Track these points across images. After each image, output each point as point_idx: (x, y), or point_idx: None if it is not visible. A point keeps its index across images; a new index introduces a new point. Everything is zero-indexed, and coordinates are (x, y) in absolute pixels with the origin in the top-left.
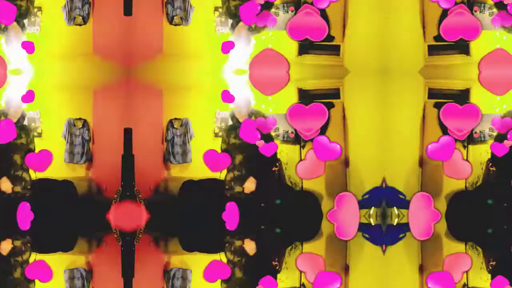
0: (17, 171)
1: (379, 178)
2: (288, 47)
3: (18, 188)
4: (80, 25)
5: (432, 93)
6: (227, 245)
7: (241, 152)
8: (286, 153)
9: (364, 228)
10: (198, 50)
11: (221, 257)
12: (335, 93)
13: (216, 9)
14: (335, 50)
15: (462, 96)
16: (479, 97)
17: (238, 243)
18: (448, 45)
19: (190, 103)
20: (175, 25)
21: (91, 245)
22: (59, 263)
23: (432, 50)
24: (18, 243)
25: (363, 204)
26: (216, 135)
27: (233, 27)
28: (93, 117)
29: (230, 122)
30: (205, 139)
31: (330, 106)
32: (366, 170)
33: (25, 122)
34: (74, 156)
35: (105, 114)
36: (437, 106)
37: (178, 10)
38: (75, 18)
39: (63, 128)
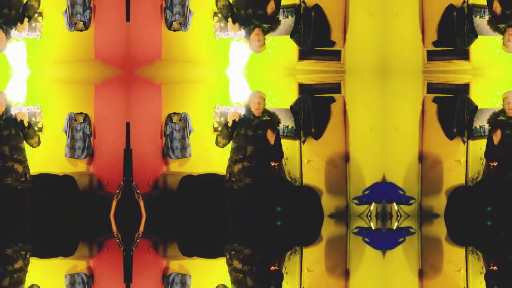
0: (6, 162)
1: (380, 174)
2: (289, 52)
3: (9, 180)
4: (81, 30)
5: (432, 88)
6: (233, 253)
7: (253, 143)
8: (286, 147)
9: (364, 232)
10: (197, 55)
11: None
12: (336, 88)
13: (215, 14)
14: (336, 55)
15: (462, 91)
16: (479, 91)
17: (246, 251)
18: (447, 50)
19: (189, 97)
20: (174, 30)
21: (92, 250)
22: (60, 268)
23: (431, 56)
24: (9, 251)
25: (364, 200)
26: (215, 129)
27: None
28: (94, 111)
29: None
30: (204, 134)
31: (330, 101)
32: (367, 165)
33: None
34: (75, 151)
35: (106, 109)
36: (437, 100)
37: (177, 15)
38: (76, 23)
39: (64, 123)
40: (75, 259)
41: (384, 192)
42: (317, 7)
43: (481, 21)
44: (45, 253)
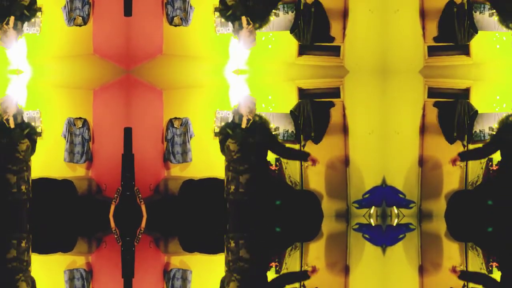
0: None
1: (380, 177)
2: (288, 47)
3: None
4: (80, 25)
5: (432, 92)
6: (242, 242)
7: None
8: None
9: (364, 228)
10: (198, 50)
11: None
12: (335, 92)
13: (216, 9)
14: (335, 51)
15: (462, 95)
16: (479, 96)
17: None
18: (448, 46)
19: (190, 102)
20: (175, 25)
21: (91, 246)
22: (59, 263)
23: (432, 51)
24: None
25: (364, 203)
26: (216, 134)
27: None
28: (93, 116)
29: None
30: (205, 139)
31: (330, 105)
32: (367, 169)
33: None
34: (74, 155)
35: (105, 114)
36: (437, 105)
37: (178, 10)
38: (75, 18)
39: (63, 127)
40: (74, 255)
41: (384, 195)
42: (317, 3)
43: (481, 17)
44: (44, 249)
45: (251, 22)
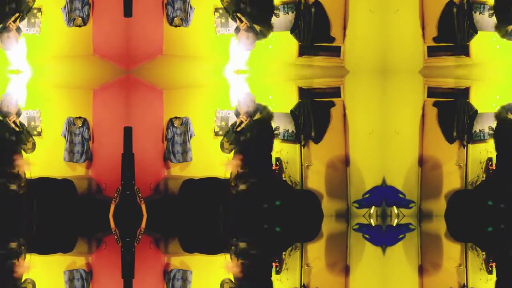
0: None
1: (380, 177)
2: (289, 48)
3: (14, 186)
4: (79, 26)
5: (432, 92)
6: (232, 247)
7: (247, 148)
8: (287, 152)
9: (364, 229)
10: (198, 51)
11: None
12: (336, 92)
13: (216, 10)
14: (336, 51)
15: (462, 95)
16: (479, 96)
17: (242, 245)
18: (448, 46)
19: (190, 102)
20: (175, 26)
21: (91, 246)
22: (59, 264)
23: (432, 51)
24: (13, 245)
25: (364, 203)
26: (216, 134)
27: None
28: (92, 115)
29: (232, 121)
30: (205, 138)
31: (330, 105)
32: (367, 169)
33: (25, 121)
34: (74, 155)
35: (105, 113)
36: (437, 105)
37: (179, 11)
38: (74, 19)
39: (63, 127)
40: (74, 255)
41: (384, 195)
42: (317, 3)
43: (481, 17)
44: (44, 250)
45: (243, 20)
